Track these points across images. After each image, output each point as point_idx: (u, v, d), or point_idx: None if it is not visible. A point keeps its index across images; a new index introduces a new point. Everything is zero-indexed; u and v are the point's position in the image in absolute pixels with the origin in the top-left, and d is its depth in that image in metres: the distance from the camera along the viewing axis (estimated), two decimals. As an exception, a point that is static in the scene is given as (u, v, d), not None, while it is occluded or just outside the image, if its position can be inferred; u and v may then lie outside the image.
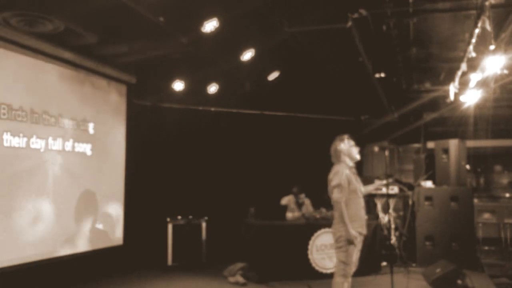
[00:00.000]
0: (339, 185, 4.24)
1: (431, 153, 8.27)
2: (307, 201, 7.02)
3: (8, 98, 5.01)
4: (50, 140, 5.58)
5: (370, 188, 4.74)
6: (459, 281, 5.55)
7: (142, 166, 7.10)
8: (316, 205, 6.91)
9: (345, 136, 4.48)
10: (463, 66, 5.85)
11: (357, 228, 4.27)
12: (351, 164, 4.42)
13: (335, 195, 4.25)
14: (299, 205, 6.89)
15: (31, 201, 5.27)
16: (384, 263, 6.90)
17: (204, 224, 7.18)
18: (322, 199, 6.37)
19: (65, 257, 5.72)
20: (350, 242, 4.15)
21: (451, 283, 5.52)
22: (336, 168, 4.37)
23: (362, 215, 4.37)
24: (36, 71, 5.43)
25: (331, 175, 4.37)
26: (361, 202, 4.39)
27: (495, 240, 8.98)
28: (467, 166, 8.02)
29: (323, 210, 6.67)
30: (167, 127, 7.55)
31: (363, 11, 4.94)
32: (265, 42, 5.98)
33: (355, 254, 4.27)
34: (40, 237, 5.38)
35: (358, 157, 4.48)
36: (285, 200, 6.96)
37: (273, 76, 7.31)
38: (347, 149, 4.40)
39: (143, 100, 7.34)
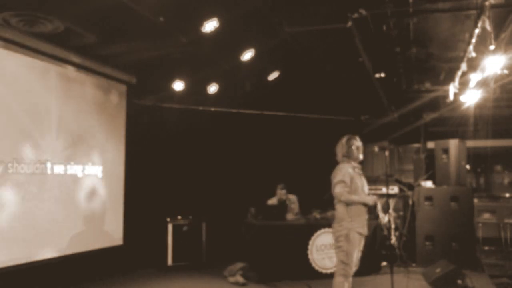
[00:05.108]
0: (341, 181, 4.27)
1: (431, 153, 8.27)
2: (291, 197, 7.00)
3: (8, 98, 5.01)
4: (50, 140, 5.58)
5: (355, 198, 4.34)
6: (459, 281, 5.54)
7: (142, 166, 7.10)
8: (316, 206, 6.90)
9: (345, 138, 4.50)
10: (463, 66, 5.85)
11: (358, 228, 4.28)
12: (354, 163, 4.43)
13: (337, 189, 4.27)
14: (282, 205, 6.83)
15: (31, 201, 5.28)
16: (384, 263, 6.90)
17: (204, 224, 7.18)
18: (322, 199, 6.39)
19: (65, 257, 5.72)
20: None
21: (451, 283, 5.52)
22: (339, 166, 4.42)
23: (363, 215, 4.37)
24: (36, 71, 5.43)
25: (334, 173, 4.40)
26: None
27: (495, 240, 8.98)
28: (467, 166, 8.02)
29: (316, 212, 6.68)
30: (167, 127, 7.55)
31: (363, 11, 4.94)
32: (265, 42, 5.98)
33: (356, 254, 4.27)
34: (40, 236, 5.39)
35: (359, 157, 4.48)
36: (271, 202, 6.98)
37: (273, 76, 7.31)
38: (346, 150, 4.43)
39: (143, 100, 7.34)
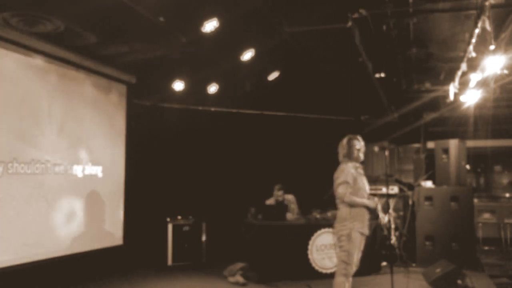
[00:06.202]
0: (344, 182, 4.28)
1: (431, 153, 8.27)
2: (289, 197, 7.00)
3: (8, 98, 5.01)
4: (50, 140, 5.58)
5: (358, 201, 4.35)
6: (459, 281, 5.54)
7: (142, 166, 7.10)
8: (316, 206, 6.90)
9: (346, 138, 4.50)
10: (463, 66, 5.85)
11: (360, 229, 4.28)
12: (355, 164, 4.43)
13: (340, 190, 4.28)
14: (281, 205, 6.81)
15: (30, 201, 5.28)
16: (384, 263, 6.90)
17: (204, 224, 7.18)
18: (322, 199, 6.40)
19: (65, 257, 5.73)
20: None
21: (451, 283, 5.52)
22: (341, 167, 4.42)
23: (365, 215, 4.37)
24: (36, 71, 5.43)
25: (336, 174, 4.40)
26: None
27: (495, 240, 8.99)
28: (467, 166, 8.02)
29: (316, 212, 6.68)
30: (167, 127, 7.56)
31: (363, 11, 4.94)
32: (265, 42, 5.98)
33: (357, 254, 4.28)
34: (40, 236, 5.39)
35: (360, 158, 4.48)
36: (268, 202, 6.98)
37: (273, 76, 7.31)
38: (347, 151, 4.44)
39: (143, 100, 7.34)
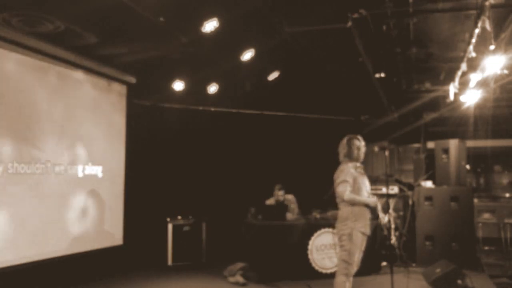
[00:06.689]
0: (344, 181, 4.29)
1: (431, 153, 8.27)
2: (289, 197, 7.00)
3: (8, 97, 5.01)
4: (50, 140, 5.58)
5: (358, 199, 4.35)
6: (459, 281, 5.54)
7: (142, 166, 7.10)
8: (316, 206, 6.90)
9: (346, 138, 4.51)
10: (463, 66, 5.85)
11: (361, 228, 4.29)
12: (356, 163, 4.44)
13: (339, 189, 4.28)
14: (281, 205, 6.79)
15: (31, 201, 5.28)
16: (384, 263, 6.90)
17: (204, 224, 7.18)
18: (322, 199, 6.39)
19: (65, 257, 5.72)
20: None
21: (451, 283, 5.52)
22: (341, 167, 4.44)
23: (367, 215, 4.37)
24: (36, 71, 5.43)
25: (336, 174, 4.42)
26: None
27: (495, 240, 8.99)
28: (467, 166, 8.02)
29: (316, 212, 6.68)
30: (167, 127, 7.56)
31: (363, 11, 4.94)
32: (265, 42, 5.98)
33: (358, 253, 4.28)
34: (40, 236, 5.38)
35: (360, 157, 4.48)
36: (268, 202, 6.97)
37: (273, 76, 7.31)
38: (347, 151, 4.44)
39: (143, 100, 7.34)
